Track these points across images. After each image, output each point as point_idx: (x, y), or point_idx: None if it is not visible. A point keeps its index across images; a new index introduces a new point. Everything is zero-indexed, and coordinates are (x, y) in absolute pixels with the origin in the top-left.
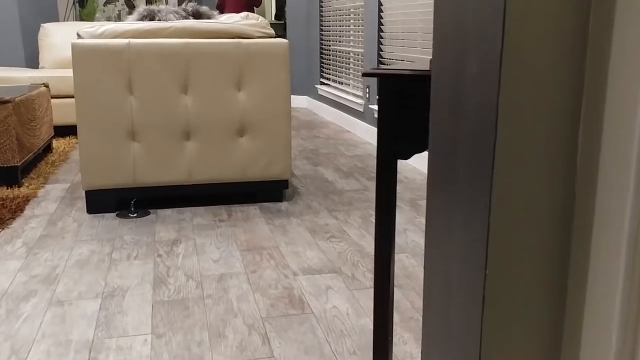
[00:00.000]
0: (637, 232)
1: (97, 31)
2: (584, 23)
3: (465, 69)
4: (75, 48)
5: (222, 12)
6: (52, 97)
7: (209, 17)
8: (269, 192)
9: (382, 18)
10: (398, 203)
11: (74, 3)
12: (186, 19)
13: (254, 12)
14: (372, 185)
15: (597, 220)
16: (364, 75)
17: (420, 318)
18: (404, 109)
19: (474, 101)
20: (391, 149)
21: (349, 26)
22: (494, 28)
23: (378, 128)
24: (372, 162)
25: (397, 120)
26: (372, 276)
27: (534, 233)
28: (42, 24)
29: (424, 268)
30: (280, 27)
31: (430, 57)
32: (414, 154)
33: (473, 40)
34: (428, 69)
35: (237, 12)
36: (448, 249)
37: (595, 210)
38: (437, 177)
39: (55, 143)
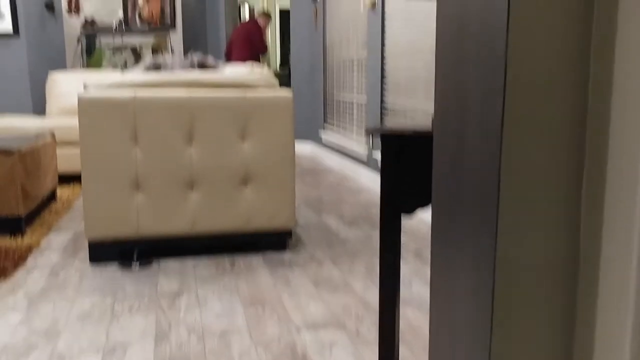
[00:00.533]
0: None
1: (103, 83)
2: (584, 87)
3: (467, 128)
4: (81, 100)
5: (229, 58)
6: (58, 145)
7: (214, 68)
8: (272, 241)
9: (385, 67)
10: (403, 253)
11: (81, 52)
12: (192, 70)
13: (259, 58)
14: (375, 234)
15: (602, 269)
16: (367, 132)
17: None
18: (407, 165)
19: (476, 160)
20: (395, 205)
21: (353, 75)
22: (495, 90)
23: (381, 184)
24: (376, 210)
25: (400, 177)
26: (377, 331)
27: (538, 285)
28: (50, 72)
29: (430, 322)
30: (285, 75)
31: (432, 112)
32: (417, 209)
33: (474, 101)
34: (430, 127)
35: (244, 58)
36: (453, 304)
37: (600, 260)
38: (441, 233)
39: (59, 191)
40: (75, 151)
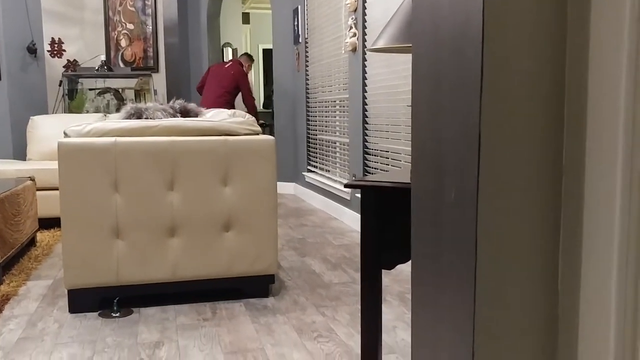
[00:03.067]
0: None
1: (83, 130)
2: (559, 139)
3: (444, 188)
4: (61, 147)
5: (201, 93)
6: (38, 189)
7: (196, 114)
8: (254, 287)
9: (366, 110)
10: (386, 297)
11: (63, 95)
12: (173, 116)
13: (237, 93)
14: (359, 277)
15: (581, 321)
16: (346, 186)
17: None
18: (387, 219)
19: (453, 220)
20: (375, 260)
21: (335, 116)
22: (470, 150)
23: (361, 239)
24: (359, 253)
25: (380, 232)
26: None
27: (520, 336)
28: (32, 117)
29: None
30: (268, 116)
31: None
32: (397, 265)
33: (450, 154)
34: (409, 180)
35: (223, 100)
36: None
37: (579, 315)
38: (421, 290)
39: (40, 235)
40: (57, 194)
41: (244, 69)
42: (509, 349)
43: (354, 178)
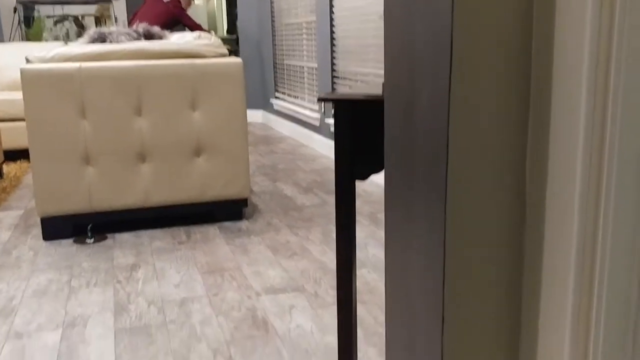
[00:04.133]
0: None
1: (46, 55)
2: (528, 45)
3: (416, 93)
4: (24, 73)
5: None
6: (1, 121)
7: (160, 38)
8: (228, 211)
9: (334, 33)
10: (357, 217)
11: (19, 23)
12: (138, 40)
13: (174, 26)
14: (331, 199)
15: (547, 230)
16: (319, 100)
17: (384, 332)
18: (360, 131)
19: (426, 125)
20: (349, 171)
21: (302, 41)
22: (442, 53)
23: (335, 151)
24: (331, 176)
25: (353, 143)
26: (335, 293)
27: (488, 242)
28: None
29: (385, 283)
30: (232, 42)
31: (383, 78)
32: (371, 175)
33: (423, 64)
34: (381, 92)
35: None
36: (407, 263)
37: (545, 219)
38: (394, 196)
39: (5, 168)
40: (21, 125)
41: (182, 3)
42: (478, 256)
43: (322, 104)
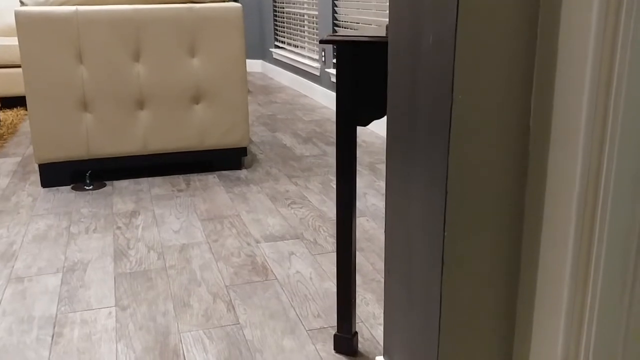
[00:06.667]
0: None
1: None
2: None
3: (422, 35)
4: (19, 16)
5: None
6: None
7: None
8: (227, 160)
9: None
10: (357, 167)
11: None
12: None
13: None
14: (330, 150)
15: (549, 180)
16: (322, 42)
17: (382, 279)
18: (363, 75)
19: (431, 67)
20: (350, 117)
21: None
22: None
23: (337, 96)
24: (330, 127)
25: (355, 88)
26: (334, 241)
27: (490, 193)
28: None
29: (385, 231)
30: None
31: (387, 22)
32: (372, 121)
33: (429, 6)
34: (385, 34)
35: None
36: (408, 212)
37: (547, 171)
38: (396, 142)
39: (2, 115)
40: (17, 72)
41: None
42: (479, 207)
43: (323, 53)
